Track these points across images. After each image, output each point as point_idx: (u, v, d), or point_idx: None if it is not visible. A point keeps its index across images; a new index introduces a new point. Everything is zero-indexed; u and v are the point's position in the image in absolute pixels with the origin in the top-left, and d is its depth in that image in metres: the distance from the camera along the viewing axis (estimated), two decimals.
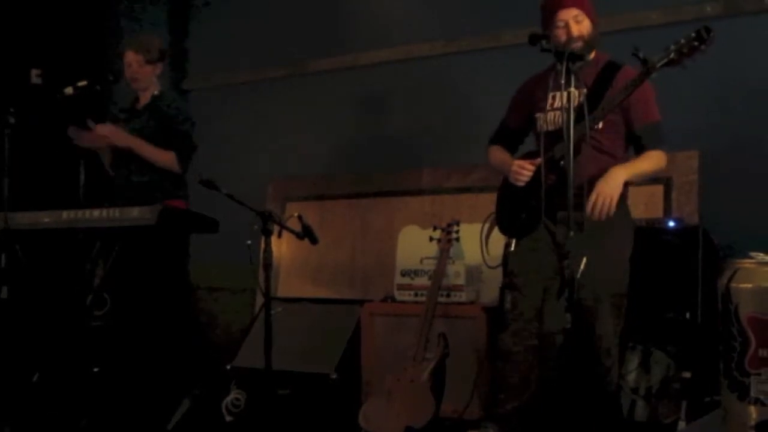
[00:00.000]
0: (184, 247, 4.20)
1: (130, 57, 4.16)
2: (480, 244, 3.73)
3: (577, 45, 3.09)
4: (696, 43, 2.79)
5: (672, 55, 2.83)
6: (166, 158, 4.06)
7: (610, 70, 3.20)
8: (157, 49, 4.21)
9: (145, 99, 4.24)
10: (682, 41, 2.82)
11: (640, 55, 2.86)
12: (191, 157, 4.15)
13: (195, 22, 5.91)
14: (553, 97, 3.25)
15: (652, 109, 3.19)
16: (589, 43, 3.17)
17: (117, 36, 5.68)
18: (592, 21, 3.21)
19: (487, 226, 3.70)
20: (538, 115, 3.33)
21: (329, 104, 5.29)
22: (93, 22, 5.85)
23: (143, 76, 4.18)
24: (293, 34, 5.40)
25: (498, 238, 3.65)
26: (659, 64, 2.87)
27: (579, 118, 2.81)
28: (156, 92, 4.23)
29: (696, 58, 2.83)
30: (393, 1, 5.11)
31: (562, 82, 2.77)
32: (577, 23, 3.17)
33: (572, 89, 2.78)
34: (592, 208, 3.02)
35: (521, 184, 3.28)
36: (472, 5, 4.81)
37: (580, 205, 2.85)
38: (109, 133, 4.07)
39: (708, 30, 2.78)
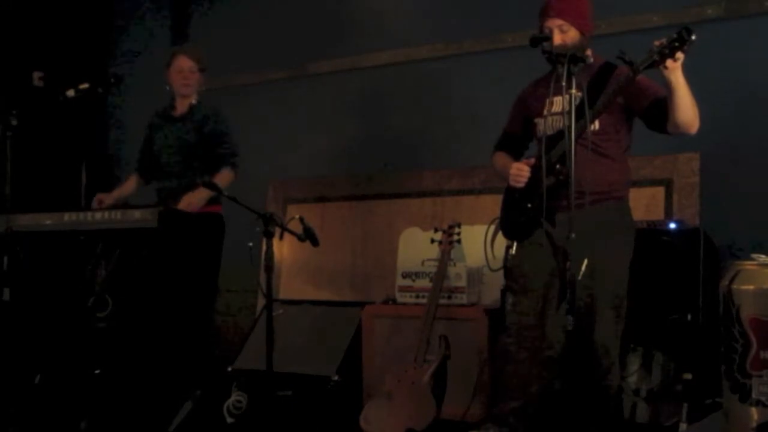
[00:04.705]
0: (216, 252, 4.16)
1: (184, 62, 4.17)
2: (484, 248, 3.74)
3: None
4: (677, 44, 2.80)
5: (655, 57, 2.85)
6: (227, 181, 4.05)
7: (606, 71, 3.21)
8: (205, 59, 4.24)
9: (182, 107, 4.23)
10: (664, 43, 2.82)
11: (626, 58, 2.87)
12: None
13: (196, 25, 5.91)
14: (551, 102, 3.27)
15: (659, 88, 3.15)
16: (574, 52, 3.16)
17: (117, 38, 5.70)
18: (581, 30, 3.22)
19: (492, 229, 3.70)
20: (537, 120, 3.35)
21: (330, 106, 5.29)
22: (95, 25, 5.87)
23: (194, 82, 4.20)
24: (294, 36, 5.40)
25: (500, 241, 3.66)
26: (642, 67, 2.88)
27: (578, 119, 2.82)
28: (194, 101, 4.23)
29: (678, 59, 2.84)
30: (394, 3, 5.11)
31: (563, 84, 2.78)
32: (561, 33, 3.19)
33: (573, 91, 2.79)
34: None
35: (520, 185, 3.30)
36: (473, 8, 4.81)
37: (579, 207, 2.85)
38: (188, 207, 3.97)
39: (689, 31, 2.77)
